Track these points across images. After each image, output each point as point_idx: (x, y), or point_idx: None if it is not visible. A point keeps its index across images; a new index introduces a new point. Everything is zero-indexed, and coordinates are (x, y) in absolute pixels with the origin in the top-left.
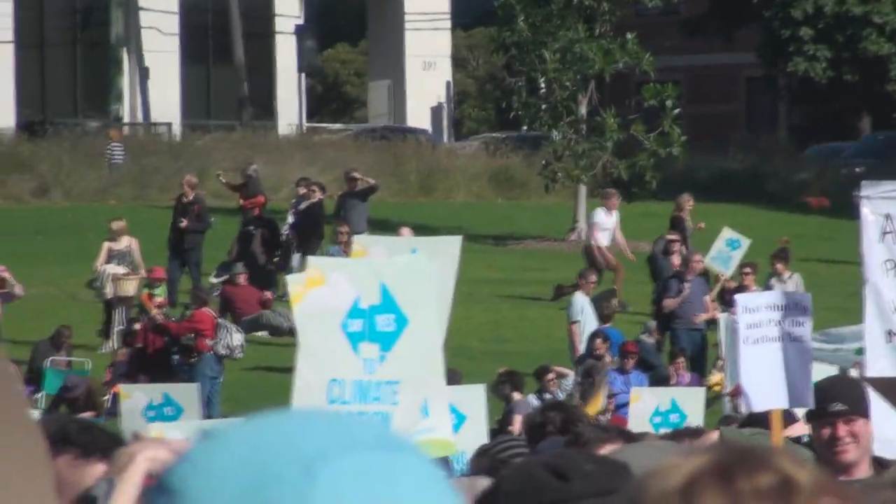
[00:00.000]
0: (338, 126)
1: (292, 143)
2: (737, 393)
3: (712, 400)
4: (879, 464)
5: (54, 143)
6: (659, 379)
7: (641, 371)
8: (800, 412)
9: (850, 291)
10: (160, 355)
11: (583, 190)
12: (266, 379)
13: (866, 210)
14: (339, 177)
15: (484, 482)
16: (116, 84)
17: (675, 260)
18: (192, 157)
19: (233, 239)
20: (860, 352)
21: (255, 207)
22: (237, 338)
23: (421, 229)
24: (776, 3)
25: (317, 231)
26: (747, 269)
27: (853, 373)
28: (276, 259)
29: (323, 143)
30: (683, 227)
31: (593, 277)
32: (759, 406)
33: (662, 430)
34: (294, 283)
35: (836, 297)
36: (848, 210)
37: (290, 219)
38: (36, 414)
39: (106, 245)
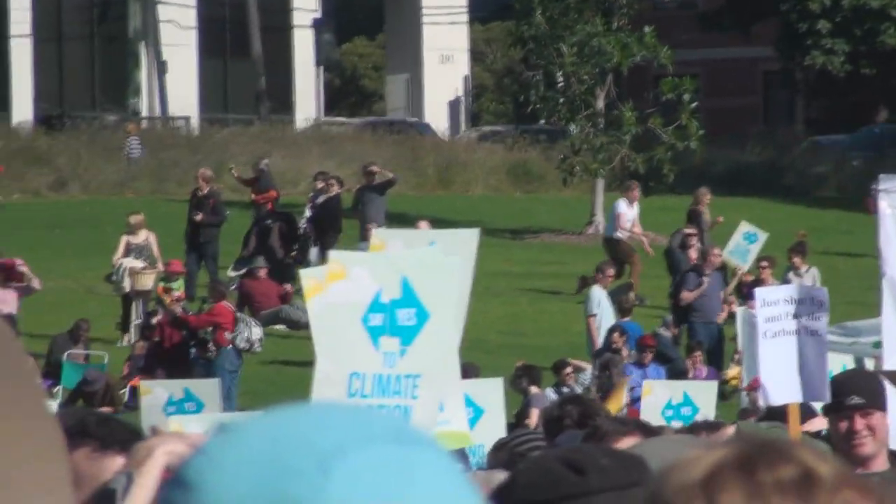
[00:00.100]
0: (340, 119)
1: (310, 137)
2: (754, 387)
3: (730, 393)
4: None
5: (72, 137)
6: (677, 372)
7: (659, 364)
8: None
9: (869, 285)
10: (178, 349)
11: (600, 183)
12: (284, 372)
13: (884, 203)
14: (356, 171)
15: (501, 476)
16: (134, 78)
17: (693, 254)
18: (210, 150)
19: (246, 234)
20: (877, 345)
21: (267, 202)
22: (256, 332)
23: (439, 223)
24: None
25: (334, 225)
26: (764, 263)
27: (868, 363)
28: (293, 253)
29: (341, 137)
30: (700, 221)
31: (611, 271)
32: (776, 400)
33: (675, 423)
34: (307, 277)
35: (854, 290)
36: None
37: (308, 212)
38: (54, 407)
39: (124, 239)
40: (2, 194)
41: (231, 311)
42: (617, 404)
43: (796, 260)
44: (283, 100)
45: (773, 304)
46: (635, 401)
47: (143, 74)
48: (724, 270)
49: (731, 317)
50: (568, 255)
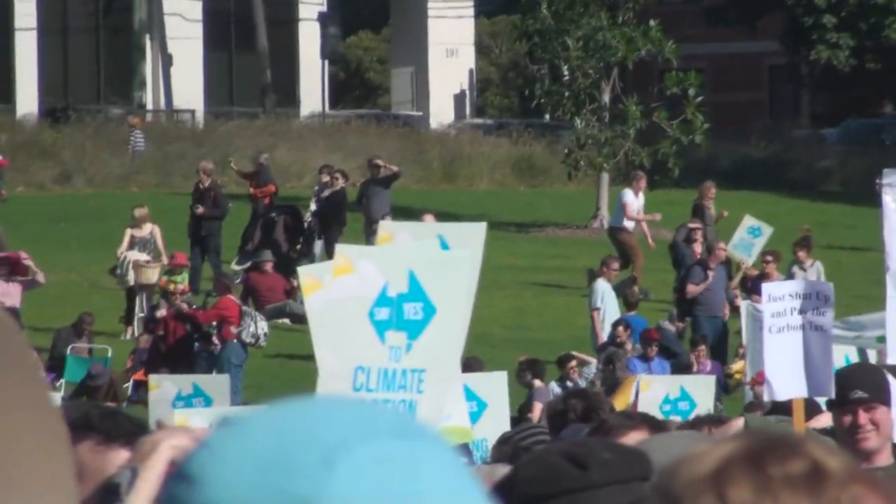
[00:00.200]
0: (333, 112)
1: (315, 131)
2: (758, 381)
3: (734, 387)
4: None
5: (77, 130)
6: (681, 366)
7: (663, 359)
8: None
9: (873, 279)
10: (182, 343)
11: (605, 178)
12: (288, 366)
13: (888, 198)
14: (361, 164)
15: (504, 470)
16: (139, 71)
17: (697, 248)
18: (215, 144)
19: (246, 228)
20: (882, 340)
21: (265, 196)
22: (262, 326)
23: (444, 216)
24: None
25: (339, 218)
26: (769, 257)
27: (871, 354)
28: (298, 246)
29: (346, 130)
30: (705, 215)
31: (615, 265)
32: (781, 395)
33: (673, 418)
34: (305, 274)
35: (859, 284)
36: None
37: (313, 206)
38: (57, 401)
39: (128, 232)
40: (6, 187)
41: (237, 305)
42: (624, 401)
43: (800, 254)
44: (288, 93)
45: (779, 299)
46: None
47: (149, 67)
48: (729, 265)
49: (735, 311)
50: (573, 249)
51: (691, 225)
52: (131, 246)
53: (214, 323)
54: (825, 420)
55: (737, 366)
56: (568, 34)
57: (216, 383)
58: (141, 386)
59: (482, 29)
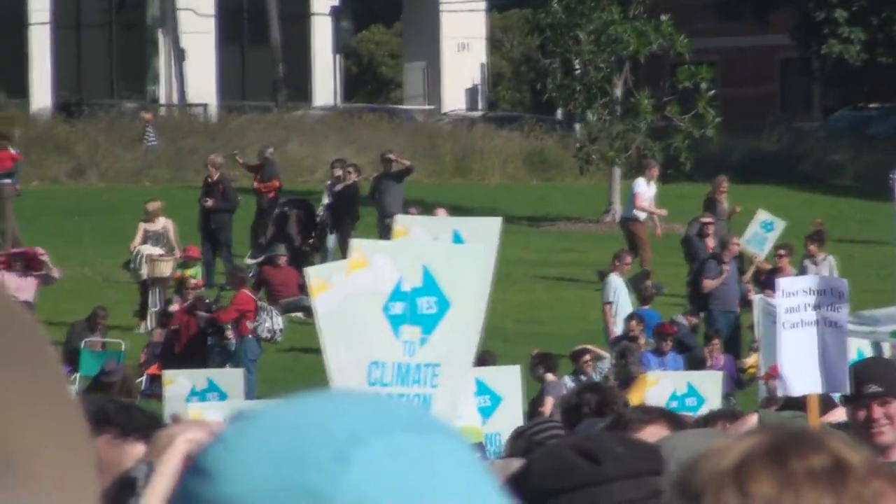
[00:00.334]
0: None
1: (327, 125)
2: (772, 375)
3: (748, 382)
4: None
5: (90, 125)
6: (695, 361)
7: (677, 353)
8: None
9: (886, 273)
10: (195, 337)
11: (617, 172)
12: (302, 360)
13: None
14: (374, 158)
15: (518, 464)
16: (152, 65)
17: (710, 242)
18: (228, 138)
19: (253, 223)
20: (895, 334)
21: (269, 191)
22: (278, 321)
23: (456, 210)
24: None
25: (352, 212)
26: (782, 251)
27: (885, 347)
28: (311, 240)
29: (358, 124)
30: (717, 209)
31: (628, 259)
32: (796, 391)
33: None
34: (313, 276)
35: (872, 279)
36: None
37: (326, 200)
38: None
39: (142, 226)
40: (21, 181)
41: (253, 300)
42: (639, 396)
43: (812, 248)
44: (300, 87)
45: (793, 294)
46: None
47: (162, 62)
48: (741, 259)
49: (747, 305)
50: (585, 243)
51: (704, 219)
52: (145, 240)
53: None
54: (839, 415)
55: (750, 360)
56: (580, 28)
57: (231, 377)
58: (155, 380)
59: (494, 23)
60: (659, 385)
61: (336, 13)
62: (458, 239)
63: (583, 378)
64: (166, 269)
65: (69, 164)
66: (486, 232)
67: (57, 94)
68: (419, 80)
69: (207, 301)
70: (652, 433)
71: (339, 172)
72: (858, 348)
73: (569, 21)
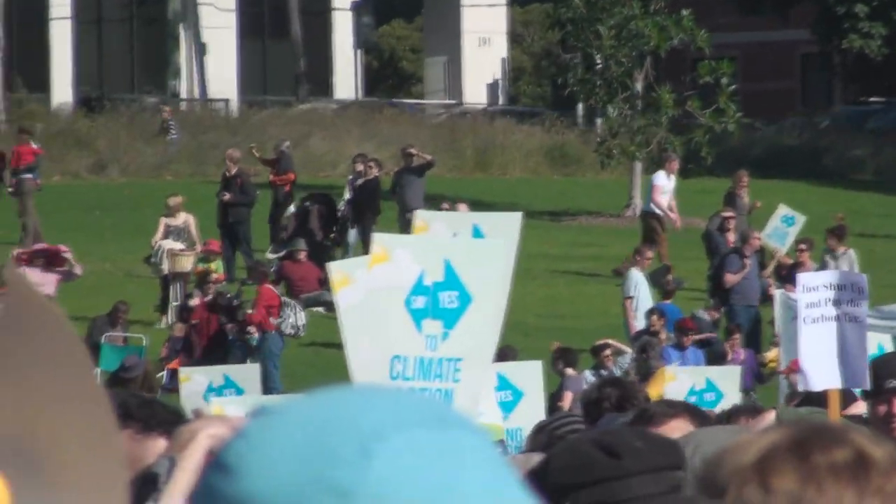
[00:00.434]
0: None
1: (349, 119)
2: (793, 369)
3: (769, 376)
4: None
5: (111, 119)
6: (716, 355)
7: (698, 347)
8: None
9: None
10: (216, 332)
11: (638, 166)
12: (323, 355)
13: None
14: (395, 153)
15: (539, 459)
16: (174, 60)
17: (731, 236)
18: (249, 132)
19: (270, 216)
20: None
21: (285, 184)
22: (301, 316)
23: (477, 205)
24: None
25: (373, 207)
26: (803, 246)
27: None
28: (332, 235)
29: (379, 119)
30: (737, 204)
31: (650, 253)
32: (816, 385)
33: None
34: (335, 270)
35: (892, 273)
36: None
37: (347, 195)
38: None
39: (163, 221)
40: (42, 176)
41: (277, 295)
42: (657, 390)
43: (832, 242)
44: (321, 82)
45: (814, 289)
46: None
47: (183, 57)
48: (762, 253)
49: (768, 299)
50: (606, 238)
51: (725, 214)
52: (166, 235)
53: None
54: (860, 408)
55: (771, 354)
56: (600, 23)
57: (247, 373)
58: (175, 375)
59: (515, 18)
60: (677, 380)
61: (357, 8)
62: (478, 234)
63: (603, 373)
64: (187, 263)
65: (90, 159)
66: (506, 227)
67: (78, 89)
68: (440, 75)
69: (228, 296)
70: (676, 428)
71: (360, 167)
72: (879, 343)
73: (590, 16)
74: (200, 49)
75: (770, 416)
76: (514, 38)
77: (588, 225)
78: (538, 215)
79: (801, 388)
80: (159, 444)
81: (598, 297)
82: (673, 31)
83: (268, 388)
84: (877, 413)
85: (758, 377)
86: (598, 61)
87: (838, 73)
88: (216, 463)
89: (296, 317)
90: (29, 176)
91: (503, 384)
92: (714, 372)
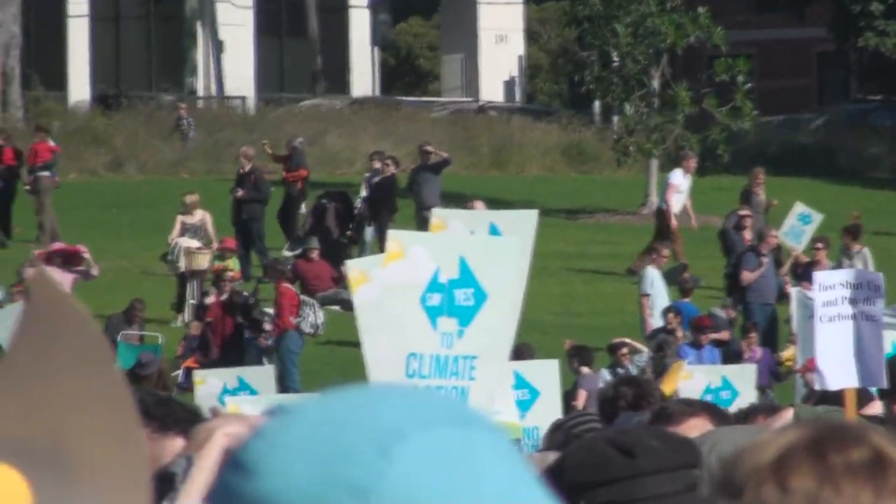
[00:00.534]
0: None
1: (366, 117)
2: (809, 368)
3: (785, 375)
4: None
5: (129, 117)
6: (732, 353)
7: (714, 346)
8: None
9: None
10: (232, 330)
11: (654, 164)
12: (340, 353)
13: None
14: (412, 150)
15: (555, 457)
16: (191, 57)
17: (747, 234)
18: (266, 130)
19: (281, 210)
20: None
21: (297, 181)
22: (320, 315)
23: (493, 203)
24: None
25: (389, 204)
26: (819, 244)
27: None
28: (349, 233)
29: (396, 116)
30: (753, 202)
31: (666, 251)
32: (833, 384)
33: None
34: (353, 268)
35: None
36: None
37: (364, 192)
38: None
39: (179, 219)
40: (59, 174)
41: (296, 294)
42: (671, 386)
43: (847, 241)
44: (338, 79)
45: (830, 288)
46: None
47: (200, 54)
48: (778, 251)
49: (786, 297)
50: (622, 236)
51: (741, 212)
52: (182, 232)
53: (271, 311)
54: (876, 408)
55: (787, 353)
56: (617, 20)
57: (262, 375)
58: (191, 373)
59: (531, 15)
60: (693, 378)
61: (374, 5)
62: (494, 231)
63: (620, 371)
64: (204, 261)
65: (107, 157)
66: (522, 224)
67: (95, 87)
68: (457, 73)
69: (245, 294)
70: (695, 426)
71: (377, 164)
72: (894, 341)
73: (606, 13)
74: (217, 46)
75: (788, 415)
76: (531, 36)
77: (604, 223)
78: (554, 213)
79: (817, 386)
80: (176, 443)
81: (615, 295)
82: (689, 29)
83: (285, 386)
84: (893, 412)
85: (774, 375)
86: (615, 59)
87: (854, 71)
88: (233, 462)
89: (315, 315)
90: (46, 174)
91: (520, 383)
92: (730, 370)
